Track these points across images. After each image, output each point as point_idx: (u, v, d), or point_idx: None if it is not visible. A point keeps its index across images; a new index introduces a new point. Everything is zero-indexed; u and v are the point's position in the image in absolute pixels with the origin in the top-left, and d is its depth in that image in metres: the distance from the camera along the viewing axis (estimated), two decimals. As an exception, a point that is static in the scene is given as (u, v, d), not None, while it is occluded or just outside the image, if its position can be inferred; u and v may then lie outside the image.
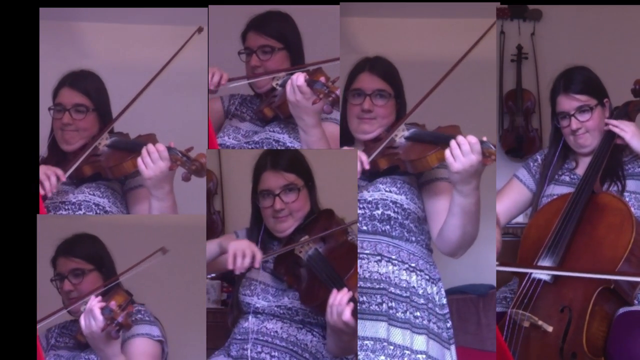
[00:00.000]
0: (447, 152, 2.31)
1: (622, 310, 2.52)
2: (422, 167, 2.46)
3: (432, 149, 2.42)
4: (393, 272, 2.49)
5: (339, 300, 2.29)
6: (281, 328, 2.51)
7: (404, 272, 2.50)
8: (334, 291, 2.31)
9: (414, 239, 2.54)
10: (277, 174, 2.53)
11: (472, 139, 2.30)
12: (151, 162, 2.51)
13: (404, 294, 2.49)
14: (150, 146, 2.52)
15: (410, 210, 2.52)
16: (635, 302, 2.56)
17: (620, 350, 2.44)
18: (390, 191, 2.51)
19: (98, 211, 2.64)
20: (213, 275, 2.52)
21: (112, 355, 2.42)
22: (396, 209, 2.50)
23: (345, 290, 2.30)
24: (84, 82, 2.73)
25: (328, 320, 2.32)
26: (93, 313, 2.39)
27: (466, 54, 2.59)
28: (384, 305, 2.47)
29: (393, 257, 2.50)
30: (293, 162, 2.56)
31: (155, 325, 2.56)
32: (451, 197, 2.41)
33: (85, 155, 2.66)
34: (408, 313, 2.48)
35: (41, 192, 2.60)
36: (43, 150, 2.74)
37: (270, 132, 2.76)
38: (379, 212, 2.50)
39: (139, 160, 2.52)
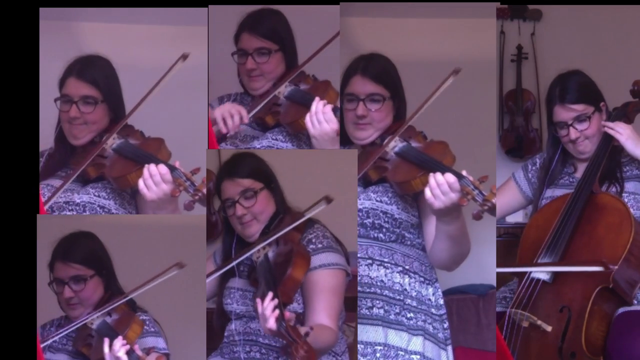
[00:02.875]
0: (427, 191, 2.31)
1: (621, 310, 2.52)
2: (407, 190, 2.45)
3: (418, 172, 2.40)
4: (385, 275, 2.49)
5: (262, 311, 2.27)
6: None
7: (397, 274, 2.50)
8: (258, 300, 2.29)
9: (409, 242, 2.53)
10: (233, 182, 2.52)
11: (450, 178, 2.28)
12: (153, 185, 2.41)
13: (398, 297, 2.49)
14: (152, 167, 2.41)
15: (402, 220, 2.50)
16: (635, 301, 2.56)
17: (619, 349, 2.43)
18: (381, 201, 2.50)
19: (104, 214, 2.56)
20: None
21: None
22: (387, 219, 2.49)
23: (268, 298, 2.28)
24: (92, 70, 2.61)
25: (261, 326, 2.32)
26: None
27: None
28: (375, 309, 2.47)
29: (385, 260, 2.49)
30: (248, 168, 2.54)
31: (160, 337, 2.54)
32: (435, 223, 2.42)
33: (92, 158, 2.55)
34: (400, 315, 2.48)
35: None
36: (49, 143, 2.68)
37: (273, 139, 2.73)
38: (370, 220, 2.49)
39: (141, 181, 2.42)
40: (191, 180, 2.41)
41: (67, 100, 2.60)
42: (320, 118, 2.53)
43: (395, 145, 2.50)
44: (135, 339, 2.41)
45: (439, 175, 2.30)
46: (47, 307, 2.57)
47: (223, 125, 2.67)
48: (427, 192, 2.31)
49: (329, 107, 2.54)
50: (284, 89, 2.72)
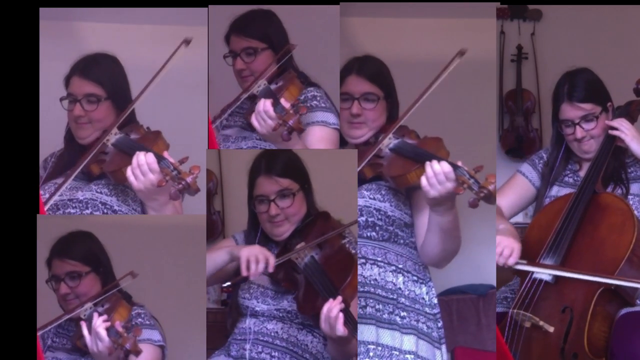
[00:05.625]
0: (424, 179, 2.31)
1: (624, 311, 2.52)
2: (403, 184, 2.46)
3: (413, 166, 2.41)
4: (379, 274, 2.49)
5: (328, 312, 2.29)
6: (282, 329, 2.50)
7: (390, 274, 2.50)
8: (328, 301, 2.31)
9: (402, 241, 2.54)
10: (271, 179, 2.51)
11: (446, 167, 2.29)
12: (140, 175, 2.39)
13: (391, 296, 2.49)
14: (140, 156, 2.39)
15: (395, 217, 2.51)
16: (638, 302, 2.56)
17: (622, 351, 2.43)
18: (374, 198, 2.50)
19: (105, 210, 2.54)
20: (228, 284, 2.50)
21: None
22: (380, 216, 2.49)
23: (334, 300, 2.30)
24: (97, 68, 2.61)
25: (322, 329, 2.32)
26: (99, 335, 2.33)
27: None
28: (368, 308, 2.47)
29: (379, 259, 2.50)
30: (287, 166, 2.54)
31: (156, 329, 2.54)
32: (428, 215, 2.42)
33: (93, 154, 2.54)
34: (394, 314, 2.48)
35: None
36: (50, 143, 2.69)
37: (257, 140, 2.72)
38: (363, 219, 2.49)
39: (129, 170, 2.40)
40: (178, 170, 2.36)
41: (71, 99, 2.60)
42: (265, 119, 2.47)
43: (389, 142, 2.51)
44: (121, 322, 2.41)
45: (435, 163, 2.31)
46: (47, 307, 2.57)
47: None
48: (424, 181, 2.31)
49: (269, 104, 2.47)
50: (257, 88, 2.67)
